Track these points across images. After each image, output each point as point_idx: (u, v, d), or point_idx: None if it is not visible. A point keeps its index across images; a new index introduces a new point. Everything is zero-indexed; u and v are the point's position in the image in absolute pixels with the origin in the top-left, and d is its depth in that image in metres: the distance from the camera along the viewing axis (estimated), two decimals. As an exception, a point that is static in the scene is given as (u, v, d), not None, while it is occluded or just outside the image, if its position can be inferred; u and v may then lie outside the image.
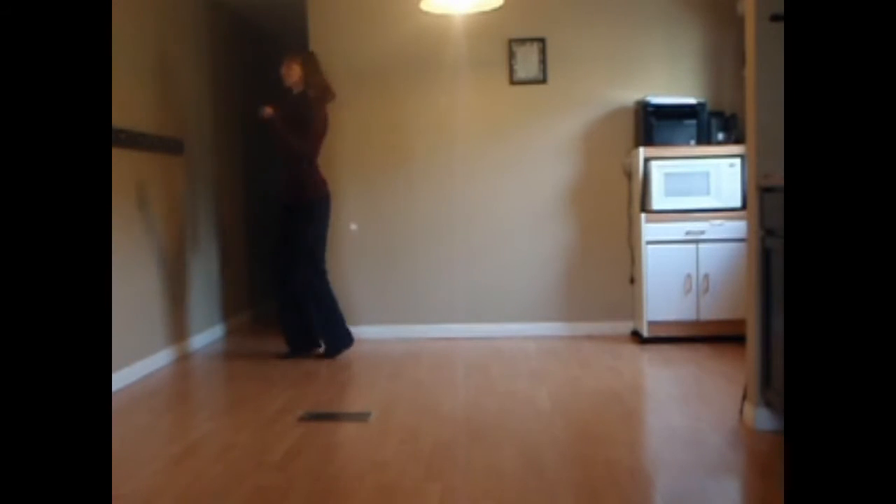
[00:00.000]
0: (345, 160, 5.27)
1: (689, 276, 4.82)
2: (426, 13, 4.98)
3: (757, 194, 3.08)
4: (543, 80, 5.21)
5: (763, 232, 3.04)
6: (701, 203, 4.81)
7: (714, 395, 3.64)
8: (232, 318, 5.90)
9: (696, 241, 4.81)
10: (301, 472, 2.81)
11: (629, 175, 5.16)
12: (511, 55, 5.21)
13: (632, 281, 5.19)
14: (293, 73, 4.62)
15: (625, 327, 5.24)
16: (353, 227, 5.32)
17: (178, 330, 4.94)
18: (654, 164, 4.80)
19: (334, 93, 4.73)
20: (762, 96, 3.04)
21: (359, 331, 5.32)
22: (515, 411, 3.49)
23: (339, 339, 4.77)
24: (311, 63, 4.66)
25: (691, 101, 4.93)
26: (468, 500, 2.51)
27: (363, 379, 4.24)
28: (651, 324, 4.84)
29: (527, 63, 5.21)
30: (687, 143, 4.88)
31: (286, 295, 4.72)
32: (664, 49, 5.17)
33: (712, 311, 4.81)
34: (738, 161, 4.78)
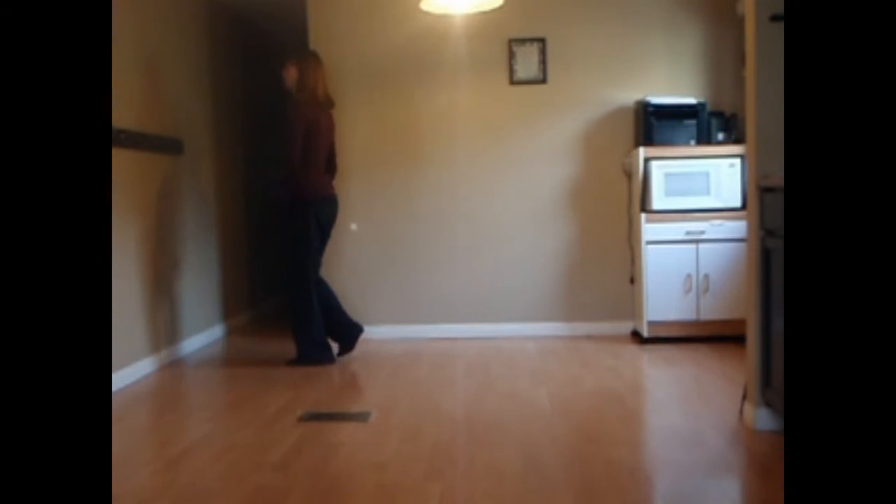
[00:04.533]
0: (344, 160, 5.27)
1: (689, 276, 4.82)
2: (426, 13, 4.99)
3: (757, 194, 3.08)
4: (543, 80, 5.21)
5: (763, 232, 3.04)
6: (701, 203, 4.81)
7: (714, 395, 3.64)
8: (232, 319, 5.90)
9: (696, 241, 4.81)
10: (301, 472, 2.81)
11: (629, 175, 5.16)
12: (511, 55, 5.21)
13: (632, 281, 5.19)
14: (290, 76, 4.58)
15: (625, 327, 5.24)
16: (354, 227, 5.32)
17: (177, 330, 4.94)
18: (654, 164, 4.80)
19: (332, 100, 4.68)
20: (762, 96, 3.05)
21: (359, 331, 5.32)
22: (515, 411, 3.49)
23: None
24: (306, 65, 4.57)
25: (691, 101, 4.93)
26: (468, 500, 2.51)
27: (363, 379, 4.24)
28: (651, 324, 4.84)
29: (527, 63, 5.21)
30: (687, 143, 4.88)
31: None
32: (664, 49, 5.17)
33: (712, 311, 4.81)
34: (738, 161, 4.78)
